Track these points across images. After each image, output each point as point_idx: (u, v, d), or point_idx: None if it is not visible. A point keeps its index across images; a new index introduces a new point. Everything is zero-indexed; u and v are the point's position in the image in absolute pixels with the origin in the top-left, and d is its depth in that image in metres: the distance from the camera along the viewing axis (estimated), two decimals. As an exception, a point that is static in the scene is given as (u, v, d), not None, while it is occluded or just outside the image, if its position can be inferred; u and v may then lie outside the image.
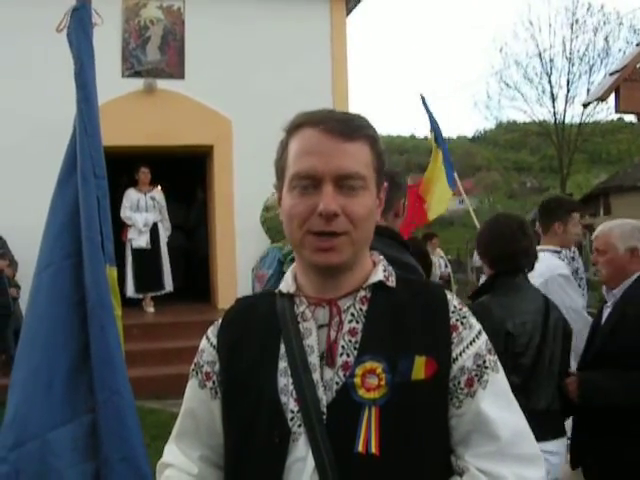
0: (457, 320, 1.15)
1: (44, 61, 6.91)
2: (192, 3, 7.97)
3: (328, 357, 1.12)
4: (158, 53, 7.96)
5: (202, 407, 1.23)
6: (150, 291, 7.94)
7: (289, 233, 1.14)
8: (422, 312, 1.15)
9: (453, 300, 1.18)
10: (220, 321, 1.27)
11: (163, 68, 7.95)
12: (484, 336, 1.17)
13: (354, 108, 9.32)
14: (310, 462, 1.07)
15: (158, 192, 8.16)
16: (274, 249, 3.19)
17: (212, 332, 1.26)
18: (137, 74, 7.84)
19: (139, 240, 7.78)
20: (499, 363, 1.18)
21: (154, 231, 7.91)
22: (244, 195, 7.72)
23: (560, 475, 2.56)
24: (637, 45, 5.98)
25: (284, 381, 1.12)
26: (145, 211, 7.85)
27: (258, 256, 3.26)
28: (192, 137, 7.98)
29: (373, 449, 1.05)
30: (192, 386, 1.26)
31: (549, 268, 3.23)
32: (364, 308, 1.15)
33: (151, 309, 7.90)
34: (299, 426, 1.09)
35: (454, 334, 1.13)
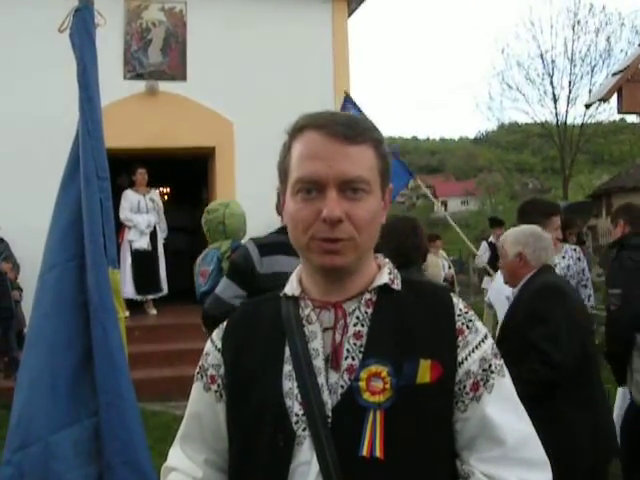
0: (463, 324, 1.14)
1: (45, 62, 6.92)
2: (194, 5, 7.98)
3: (333, 360, 1.11)
4: (160, 55, 7.97)
5: (207, 410, 1.23)
6: (149, 294, 7.95)
7: (294, 237, 1.13)
8: (428, 315, 1.15)
9: (459, 303, 1.17)
10: (225, 324, 1.27)
11: (165, 70, 7.97)
12: (490, 340, 1.17)
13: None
14: (314, 466, 1.06)
15: (156, 194, 8.16)
16: (213, 249, 3.56)
17: (217, 335, 1.25)
18: (139, 76, 7.85)
19: (140, 242, 7.78)
20: (505, 367, 1.17)
21: (153, 233, 7.92)
22: (246, 197, 7.69)
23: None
24: (639, 45, 5.97)
25: (289, 384, 1.12)
26: (146, 213, 7.86)
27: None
28: (194, 139, 7.99)
29: (377, 453, 1.04)
30: (197, 389, 1.25)
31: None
32: (369, 311, 1.14)
33: (153, 311, 7.91)
34: (304, 430, 1.08)
35: (460, 338, 1.13)
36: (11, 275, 6.60)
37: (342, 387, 1.09)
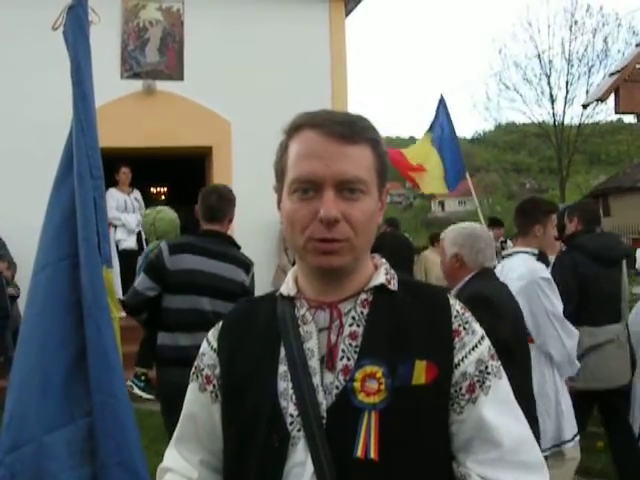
0: (459, 325, 1.13)
1: (44, 61, 6.90)
2: (191, 4, 7.97)
3: (328, 361, 1.10)
4: (157, 55, 7.95)
5: (202, 411, 1.22)
6: None
7: (291, 237, 1.12)
8: (424, 316, 1.14)
9: (456, 305, 1.17)
10: (221, 324, 1.26)
11: (162, 70, 7.95)
12: (487, 341, 1.16)
13: (353, 109, 9.31)
14: (309, 467, 1.06)
15: (139, 193, 8.11)
16: (150, 248, 4.03)
17: (213, 335, 1.25)
18: (136, 76, 7.83)
19: (128, 241, 7.65)
20: (502, 369, 1.16)
21: (138, 233, 7.78)
22: (243, 196, 7.69)
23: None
24: (636, 46, 5.97)
25: (284, 385, 1.11)
26: (132, 212, 7.80)
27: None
28: (191, 138, 7.97)
29: (372, 454, 1.03)
30: (192, 390, 1.25)
31: (529, 271, 3.17)
32: (365, 311, 1.13)
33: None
34: (298, 430, 1.08)
35: (456, 339, 1.12)
36: (7, 274, 6.58)
37: (337, 388, 1.08)
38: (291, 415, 1.09)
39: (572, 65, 25.74)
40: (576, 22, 25.03)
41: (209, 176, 8.50)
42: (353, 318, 1.12)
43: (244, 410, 1.14)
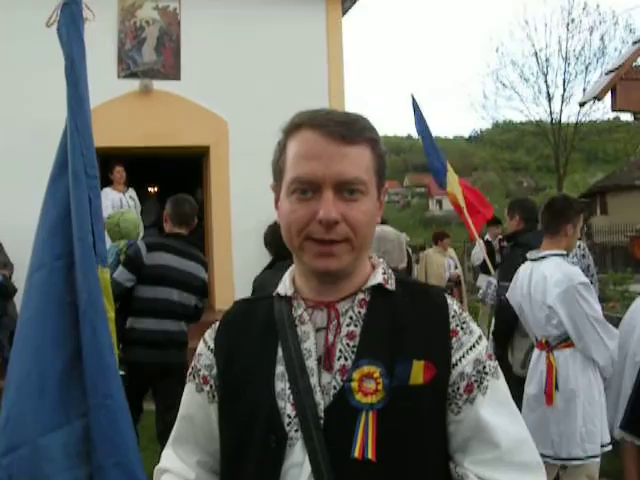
0: (457, 325, 1.13)
1: (43, 61, 6.88)
2: (188, 4, 7.95)
3: (326, 361, 1.09)
4: (154, 54, 7.94)
5: (199, 411, 1.22)
6: None
7: (287, 238, 1.11)
8: (421, 316, 1.13)
9: (453, 305, 1.16)
10: (217, 324, 1.25)
11: (159, 69, 7.93)
12: (484, 341, 1.15)
13: (350, 108, 9.31)
14: (306, 467, 1.05)
15: (134, 192, 8.10)
16: (113, 246, 4.45)
17: (209, 335, 1.24)
18: (133, 75, 7.82)
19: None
20: (499, 369, 1.15)
21: None
22: (240, 196, 7.72)
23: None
24: (633, 44, 5.96)
25: (281, 385, 1.10)
26: None
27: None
28: (188, 138, 7.96)
29: (369, 454, 1.03)
30: (189, 390, 1.24)
31: (566, 277, 3.10)
32: (362, 311, 1.13)
33: None
34: (296, 431, 1.07)
35: (454, 339, 1.11)
36: (4, 272, 6.55)
37: (334, 388, 1.08)
38: (289, 416, 1.08)
39: (569, 63, 25.70)
40: (573, 20, 24.97)
41: (206, 176, 8.49)
42: (351, 318, 1.12)
43: (241, 410, 1.13)
